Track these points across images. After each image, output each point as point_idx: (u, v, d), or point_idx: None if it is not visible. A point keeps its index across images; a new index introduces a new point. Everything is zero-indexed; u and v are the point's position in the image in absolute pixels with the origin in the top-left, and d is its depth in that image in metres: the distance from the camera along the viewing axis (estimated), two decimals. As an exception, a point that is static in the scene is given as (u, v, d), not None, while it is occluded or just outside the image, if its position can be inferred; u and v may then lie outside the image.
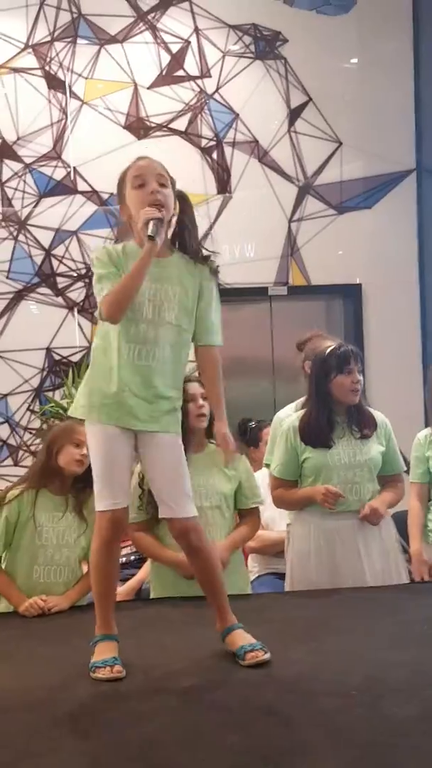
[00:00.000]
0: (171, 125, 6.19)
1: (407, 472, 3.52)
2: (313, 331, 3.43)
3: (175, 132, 6.18)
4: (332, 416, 3.14)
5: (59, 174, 6.09)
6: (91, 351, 2.47)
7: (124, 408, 2.34)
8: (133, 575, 3.70)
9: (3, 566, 3.01)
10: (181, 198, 2.48)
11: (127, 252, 2.42)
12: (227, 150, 6.25)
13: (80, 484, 2.98)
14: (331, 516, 3.09)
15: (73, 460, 2.96)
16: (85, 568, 3.06)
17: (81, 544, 2.99)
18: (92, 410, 2.37)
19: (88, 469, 2.93)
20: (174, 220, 2.46)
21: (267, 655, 2.31)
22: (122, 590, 3.45)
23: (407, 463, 3.50)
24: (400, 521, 3.59)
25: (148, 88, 6.18)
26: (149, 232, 2.30)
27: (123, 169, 2.50)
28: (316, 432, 3.12)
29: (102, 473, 2.37)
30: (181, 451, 2.43)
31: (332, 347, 3.17)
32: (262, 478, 3.96)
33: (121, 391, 2.34)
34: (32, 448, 5.84)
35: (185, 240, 2.46)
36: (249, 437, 4.28)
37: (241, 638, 2.37)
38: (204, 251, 2.48)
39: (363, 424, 3.16)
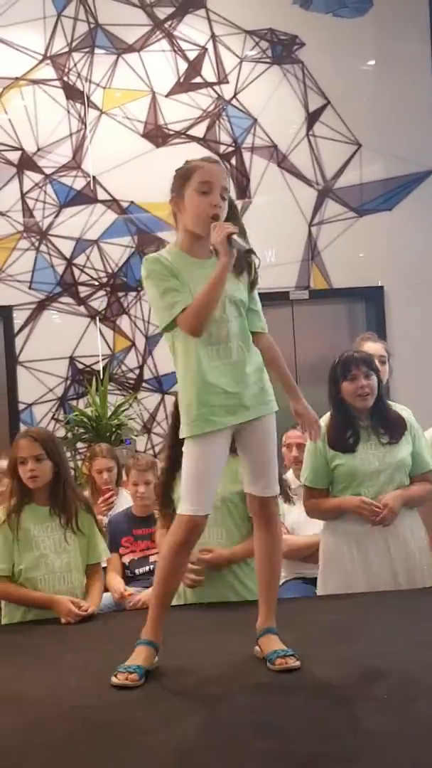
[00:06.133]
0: (189, 132, 6.22)
1: None
2: (363, 334, 3.50)
3: (193, 139, 6.20)
4: (354, 421, 3.14)
5: (79, 184, 6.13)
6: (176, 369, 2.42)
7: (224, 409, 2.34)
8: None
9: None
10: (230, 202, 2.47)
11: (175, 259, 2.40)
12: (246, 155, 6.27)
13: (58, 492, 3.00)
14: (360, 520, 3.07)
15: (26, 478, 2.98)
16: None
17: (77, 548, 3.00)
18: (193, 426, 2.35)
19: (57, 473, 2.98)
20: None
21: (297, 663, 2.30)
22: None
23: None
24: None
25: (165, 96, 6.21)
26: (231, 246, 2.30)
27: (188, 163, 2.44)
28: (340, 436, 3.13)
29: (194, 478, 2.35)
30: (272, 426, 2.44)
31: (343, 353, 3.19)
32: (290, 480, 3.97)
33: (216, 394, 2.34)
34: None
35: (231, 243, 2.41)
36: None
37: (276, 643, 2.37)
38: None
39: (389, 428, 3.13)
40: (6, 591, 2.99)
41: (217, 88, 6.27)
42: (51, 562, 2.95)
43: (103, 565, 3.40)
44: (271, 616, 2.43)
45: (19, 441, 3.03)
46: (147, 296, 2.44)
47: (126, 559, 3.79)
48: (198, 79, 6.25)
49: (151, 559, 3.80)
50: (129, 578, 3.73)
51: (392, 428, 3.13)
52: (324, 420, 3.21)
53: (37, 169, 6.11)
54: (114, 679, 2.25)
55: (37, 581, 2.94)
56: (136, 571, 3.78)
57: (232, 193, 6.49)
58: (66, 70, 6.14)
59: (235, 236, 2.33)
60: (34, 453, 2.96)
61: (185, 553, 2.39)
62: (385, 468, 3.09)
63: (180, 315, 2.31)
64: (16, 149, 6.08)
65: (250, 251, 2.43)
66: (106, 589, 3.50)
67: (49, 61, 6.13)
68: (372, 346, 3.48)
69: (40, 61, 6.12)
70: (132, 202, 6.15)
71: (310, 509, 3.26)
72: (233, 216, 2.46)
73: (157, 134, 6.19)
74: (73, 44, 6.14)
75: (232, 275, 2.40)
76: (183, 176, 2.42)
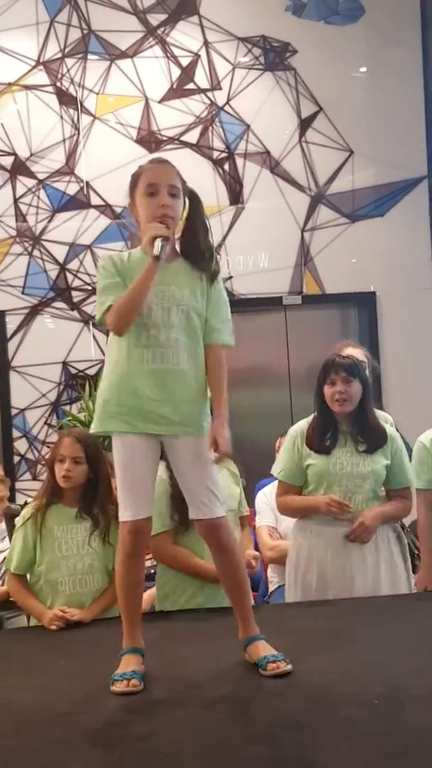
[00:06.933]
0: (182, 138, 6.23)
1: None
2: (343, 341, 3.54)
3: (186, 145, 6.21)
4: (334, 424, 3.16)
5: (72, 189, 6.13)
6: (105, 363, 2.47)
7: (143, 414, 2.33)
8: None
9: (29, 585, 3.02)
10: (192, 198, 2.45)
11: (132, 260, 2.42)
12: (239, 161, 6.28)
13: (90, 496, 3.00)
14: (327, 525, 3.09)
15: (60, 476, 2.98)
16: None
17: (102, 552, 2.99)
18: (110, 421, 2.35)
19: (92, 479, 2.98)
20: (181, 223, 2.45)
21: (289, 666, 2.31)
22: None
23: None
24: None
25: (159, 102, 6.22)
26: (155, 251, 2.29)
27: (138, 168, 2.46)
28: (317, 437, 3.16)
29: (123, 483, 2.37)
30: (206, 450, 2.34)
31: (329, 356, 3.21)
32: (270, 493, 3.98)
33: (138, 397, 2.32)
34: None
35: (193, 242, 2.43)
36: None
37: (264, 649, 2.37)
38: (208, 253, 2.44)
39: (368, 437, 3.13)
40: (17, 591, 3.01)
41: (210, 94, 6.28)
42: (72, 564, 2.95)
43: None
44: (250, 627, 2.43)
45: (62, 439, 3.05)
46: None
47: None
48: (191, 86, 6.26)
49: (148, 564, 3.79)
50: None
51: (371, 438, 3.13)
52: (308, 420, 3.25)
53: (30, 174, 6.11)
54: (114, 688, 2.25)
55: (57, 583, 2.94)
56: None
57: (225, 199, 6.48)
58: (59, 75, 6.15)
59: (160, 240, 2.29)
60: (74, 454, 2.97)
61: (139, 560, 2.41)
62: (356, 476, 3.10)
63: (105, 312, 2.34)
64: (9, 154, 6.09)
65: (205, 253, 2.39)
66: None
67: (42, 67, 6.14)
68: (351, 351, 3.50)
69: (33, 67, 6.13)
70: (125, 208, 6.12)
71: (282, 506, 3.29)
72: (197, 212, 2.44)
73: (150, 140, 6.20)
74: (66, 50, 6.15)
75: (191, 282, 2.39)
76: (133, 182, 2.45)
